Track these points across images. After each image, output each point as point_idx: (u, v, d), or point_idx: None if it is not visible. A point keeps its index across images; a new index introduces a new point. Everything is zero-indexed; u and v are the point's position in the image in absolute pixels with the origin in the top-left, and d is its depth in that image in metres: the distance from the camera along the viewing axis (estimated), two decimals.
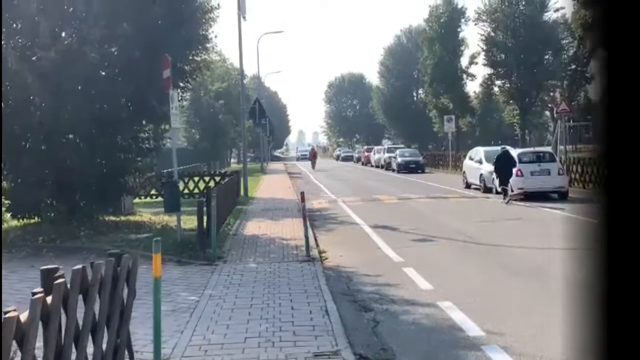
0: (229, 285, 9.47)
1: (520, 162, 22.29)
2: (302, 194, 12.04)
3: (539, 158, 22.89)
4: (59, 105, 13.68)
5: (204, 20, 16.45)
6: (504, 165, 21.95)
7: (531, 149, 27.54)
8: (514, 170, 22.01)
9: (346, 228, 16.31)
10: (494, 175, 22.84)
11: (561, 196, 21.78)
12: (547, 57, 61.08)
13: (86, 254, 12.24)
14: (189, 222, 15.61)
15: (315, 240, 13.54)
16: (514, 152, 23.26)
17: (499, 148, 30.26)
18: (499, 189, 22.05)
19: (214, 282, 9.73)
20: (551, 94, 67.55)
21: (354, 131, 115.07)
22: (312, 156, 59.35)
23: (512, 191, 21.58)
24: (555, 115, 69.28)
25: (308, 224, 15.02)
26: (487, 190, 24.41)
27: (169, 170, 21.39)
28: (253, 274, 10.29)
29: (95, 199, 15.17)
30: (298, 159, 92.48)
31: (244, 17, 25.06)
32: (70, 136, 14.99)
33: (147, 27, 14.20)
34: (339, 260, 11.63)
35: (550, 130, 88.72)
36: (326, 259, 11.80)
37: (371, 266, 10.96)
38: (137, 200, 21.58)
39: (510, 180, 21.61)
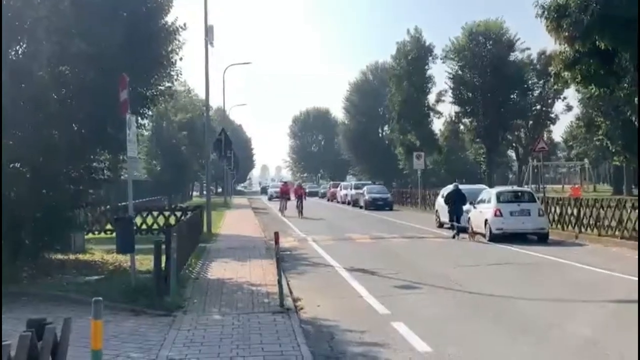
0: (189, 344, 7.96)
1: (499, 201, 21.29)
2: (277, 234, 10.62)
3: (518, 197, 21.92)
4: (2, 130, 12.09)
5: (168, 42, 15.06)
6: (454, 202, 23.03)
7: (509, 188, 26.68)
8: (492, 209, 21.03)
9: (320, 271, 14.89)
10: (446, 208, 23.80)
11: (541, 238, 20.78)
12: (513, 96, 61.15)
13: (26, 300, 10.65)
14: (146, 262, 14.02)
15: (288, 285, 12.09)
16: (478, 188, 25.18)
17: (469, 186, 29.55)
18: (457, 225, 22.71)
19: (172, 339, 8.22)
20: (516, 133, 67.58)
21: (319, 166, 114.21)
22: (282, 193, 39.37)
23: (471, 229, 22.03)
24: (520, 155, 69.62)
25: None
26: (465, 230, 23.30)
27: (127, 203, 19.77)
28: (218, 328, 8.79)
29: (41, 236, 13.47)
30: (271, 198, 65.71)
31: (212, 44, 23.84)
32: (17, 165, 13.34)
33: (105, 45, 12.79)
34: (317, 312, 10.19)
35: (513, 170, 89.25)
36: (302, 309, 10.36)
37: (354, 319, 9.56)
38: (90, 236, 19.83)
39: (471, 217, 22.28)
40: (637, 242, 18.25)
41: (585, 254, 17.12)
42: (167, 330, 8.70)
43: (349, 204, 49.64)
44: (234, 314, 9.67)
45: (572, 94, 62.23)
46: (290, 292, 11.40)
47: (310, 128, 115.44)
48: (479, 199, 22.76)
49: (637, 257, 16.34)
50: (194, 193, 79.18)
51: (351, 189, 51.51)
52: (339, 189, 56.81)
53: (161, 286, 10.64)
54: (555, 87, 53.85)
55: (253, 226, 28.06)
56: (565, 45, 20.10)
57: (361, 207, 44.21)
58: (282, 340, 8.13)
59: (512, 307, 10.30)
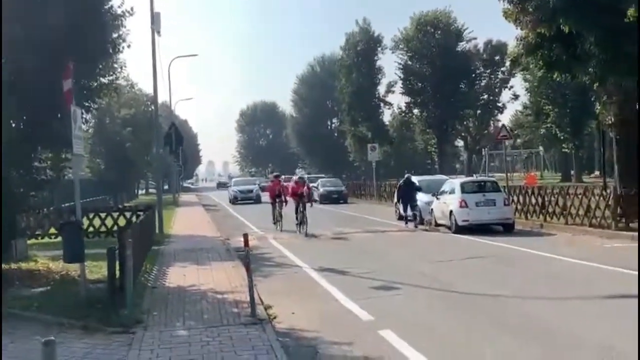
0: None
1: (464, 192, 20.69)
2: (246, 236, 9.56)
3: (482, 187, 21.37)
4: None
5: (114, 28, 13.76)
6: (406, 192, 23.30)
7: (474, 178, 26.23)
8: (458, 201, 20.45)
9: (287, 272, 13.89)
10: (398, 201, 24.55)
11: (507, 228, 20.29)
12: (461, 86, 61.20)
13: None
14: (96, 269, 12.83)
15: (256, 290, 11.05)
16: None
17: (430, 177, 29.09)
18: (407, 216, 23.04)
19: None
20: (465, 123, 67.79)
21: (267, 160, 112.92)
22: (273, 194, 24.11)
23: (434, 221, 22.12)
24: (468, 144, 69.89)
25: (244, 269, 12.62)
26: (423, 222, 22.76)
27: (71, 203, 18.24)
28: (185, 347, 7.72)
29: None
30: (235, 201, 46.07)
31: (159, 32, 22.45)
32: None
33: (45, 31, 11.47)
34: (293, 321, 9.22)
35: (461, 159, 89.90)
36: (275, 318, 9.36)
37: (337, 329, 8.63)
38: (32, 241, 18.26)
39: (434, 209, 22.10)
40: (605, 231, 17.91)
41: (558, 245, 16.62)
42: (127, 352, 7.60)
43: None
44: (202, 328, 8.60)
45: (518, 83, 62.84)
46: (260, 299, 10.38)
47: (258, 122, 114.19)
48: (441, 189, 22.16)
49: (611, 246, 15.96)
50: (140, 191, 76.91)
51: None
52: (291, 182, 55.70)
53: (116, 298, 9.52)
54: (514, 73, 54.01)
55: (206, 224, 26.85)
56: (528, 30, 19.54)
57: (315, 201, 43.29)
58: (260, 358, 7.15)
59: (506, 307, 9.52)
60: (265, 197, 41.67)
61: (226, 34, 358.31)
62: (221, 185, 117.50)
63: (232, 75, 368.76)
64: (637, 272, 11.62)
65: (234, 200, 46.13)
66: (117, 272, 9.81)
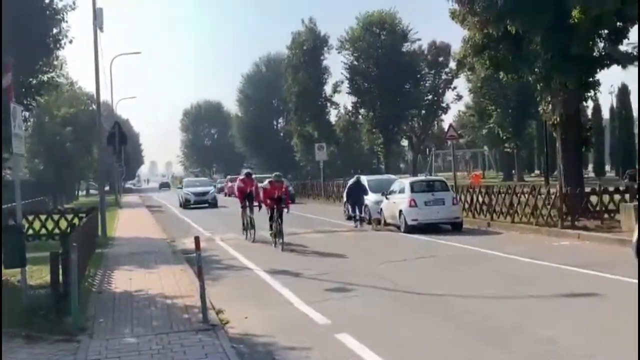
0: None
1: (413, 191, 20.72)
2: (197, 239, 9.21)
3: (431, 187, 21.44)
4: None
5: (55, 22, 13.18)
6: (355, 192, 23.66)
7: (422, 178, 26.33)
8: (407, 200, 20.48)
9: (238, 275, 13.57)
10: (347, 201, 24.73)
11: (455, 227, 20.42)
12: (407, 86, 61.81)
13: None
14: (37, 274, 12.26)
15: (207, 295, 10.70)
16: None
17: (379, 177, 29.16)
18: (356, 216, 23.14)
19: None
20: (410, 123, 68.51)
21: (212, 161, 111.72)
22: (243, 195, 21.11)
23: (383, 221, 22.12)
24: (413, 144, 70.58)
25: (193, 272, 12.26)
26: (371, 222, 22.77)
27: (10, 205, 17.38)
28: (134, 356, 7.34)
29: None
30: (187, 205, 40.32)
31: (101, 29, 21.70)
32: None
33: None
34: (247, 325, 8.93)
35: (406, 159, 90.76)
36: (227, 322, 9.05)
37: (292, 333, 8.39)
38: None
39: (383, 208, 22.07)
40: (552, 229, 18.19)
41: (507, 243, 16.77)
42: None
43: None
44: (151, 336, 8.22)
45: (462, 84, 63.89)
46: (211, 304, 10.03)
47: (203, 121, 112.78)
48: (391, 189, 22.17)
49: (558, 244, 16.20)
50: (81, 193, 74.95)
51: None
52: (237, 183, 54.80)
53: (60, 305, 9.05)
54: (460, 74, 54.66)
55: (151, 226, 26.19)
56: (476, 30, 19.73)
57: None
58: None
59: (464, 308, 9.42)
60: (223, 201, 42.19)
61: (171, 32, 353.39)
62: (164, 186, 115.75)
63: (176, 74, 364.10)
64: (585, 270, 11.81)
65: (186, 204, 40.12)
66: (61, 279, 9.34)
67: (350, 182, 25.08)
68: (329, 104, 61.15)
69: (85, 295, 10.62)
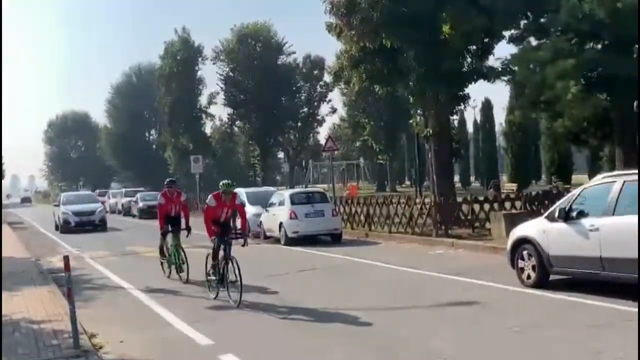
0: None
1: (293, 203, 20.60)
2: (66, 259, 8.46)
3: (311, 199, 21.41)
4: None
5: None
6: None
7: (302, 189, 26.29)
8: (287, 212, 20.35)
9: (111, 295, 12.75)
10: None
11: (335, 238, 20.53)
12: (283, 99, 62.07)
13: None
14: None
15: (78, 318, 9.91)
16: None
17: (257, 189, 28.89)
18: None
19: None
20: (286, 135, 68.87)
21: (79, 174, 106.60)
22: (163, 216, 14.53)
23: (263, 234, 21.91)
24: (290, 156, 70.88)
25: (62, 293, 11.38)
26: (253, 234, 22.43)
27: None
28: None
29: None
30: (67, 226, 30.63)
31: None
32: None
33: None
34: (123, 350, 8.30)
35: (282, 171, 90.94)
36: (102, 347, 8.38)
37: (172, 356, 7.93)
38: None
39: (263, 221, 21.80)
40: (427, 238, 18.66)
41: (385, 253, 16.99)
42: None
43: (119, 212, 46.32)
44: None
45: (336, 97, 65.10)
46: (83, 328, 9.28)
47: (69, 133, 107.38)
48: (270, 201, 21.93)
49: (434, 253, 16.59)
50: None
51: (122, 196, 48.14)
52: (107, 197, 52.56)
53: None
54: (335, 87, 55.44)
55: (13, 244, 24.31)
56: (352, 44, 20.00)
57: (134, 216, 41.41)
58: None
59: (350, 321, 9.23)
60: (119, 222, 34.77)
61: (35, 39, 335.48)
62: (25, 201, 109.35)
63: (39, 83, 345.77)
64: (463, 278, 12.10)
65: (65, 227, 30.70)
66: None
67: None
68: (204, 116, 60.14)
69: None
